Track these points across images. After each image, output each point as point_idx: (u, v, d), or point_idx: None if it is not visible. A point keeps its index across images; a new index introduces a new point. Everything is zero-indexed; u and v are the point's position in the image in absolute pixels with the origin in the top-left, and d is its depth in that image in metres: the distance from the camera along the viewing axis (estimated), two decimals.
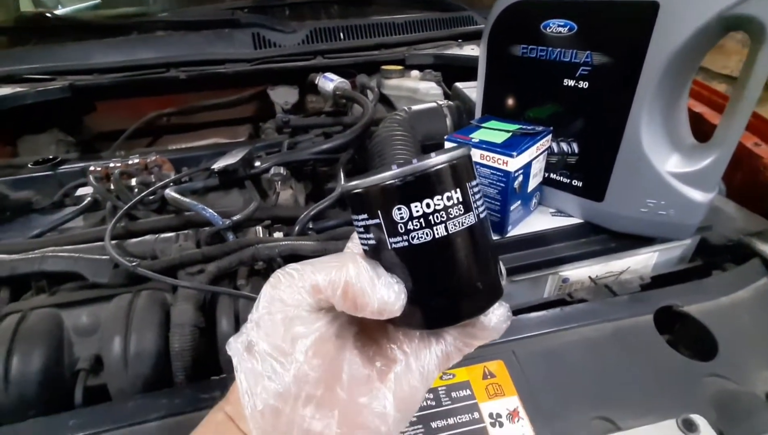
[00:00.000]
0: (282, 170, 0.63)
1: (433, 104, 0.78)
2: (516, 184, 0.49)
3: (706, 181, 0.45)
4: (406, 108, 0.77)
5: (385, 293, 0.21)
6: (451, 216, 0.21)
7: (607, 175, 0.49)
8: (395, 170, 0.21)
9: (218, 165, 0.63)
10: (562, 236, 0.54)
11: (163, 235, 0.52)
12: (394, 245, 0.21)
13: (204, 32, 0.97)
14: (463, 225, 0.21)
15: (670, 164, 0.46)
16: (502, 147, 0.47)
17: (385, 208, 0.21)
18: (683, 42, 0.39)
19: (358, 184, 0.22)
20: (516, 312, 0.53)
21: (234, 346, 0.22)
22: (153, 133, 1.08)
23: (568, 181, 0.53)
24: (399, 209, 0.21)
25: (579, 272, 0.55)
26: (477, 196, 0.22)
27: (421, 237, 0.21)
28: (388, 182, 0.21)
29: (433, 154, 0.21)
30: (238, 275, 0.50)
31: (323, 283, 0.22)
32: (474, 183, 0.22)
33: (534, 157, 0.50)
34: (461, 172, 0.22)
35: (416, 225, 0.21)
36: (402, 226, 0.21)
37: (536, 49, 0.49)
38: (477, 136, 0.51)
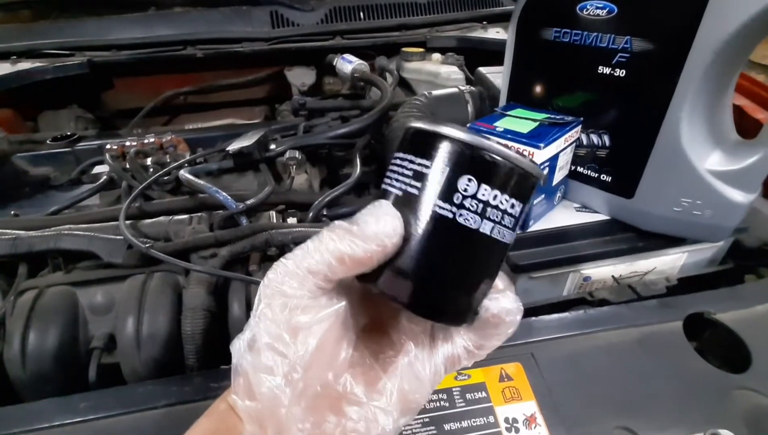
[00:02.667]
0: (297, 154, 0.62)
1: (455, 90, 0.75)
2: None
3: (749, 181, 0.42)
4: (426, 93, 0.74)
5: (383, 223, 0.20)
6: (502, 222, 0.20)
7: (640, 170, 0.46)
8: (490, 141, 0.19)
9: (233, 147, 0.62)
10: (585, 233, 0.52)
11: (176, 217, 0.52)
12: (437, 209, 0.19)
13: (221, 9, 0.95)
14: (502, 237, 0.20)
15: (710, 162, 0.43)
16: (529, 137, 0.45)
17: (457, 169, 0.19)
18: (736, 29, 0.36)
19: (445, 129, 0.20)
20: (534, 310, 0.52)
21: (236, 346, 0.21)
22: (170, 111, 1.07)
23: (596, 175, 0.50)
24: (469, 180, 0.19)
25: (602, 271, 0.52)
26: (521, 221, 0.21)
27: (468, 220, 0.19)
28: (478, 145, 0.19)
29: (527, 158, 0.20)
30: (250, 260, 0.49)
31: (317, 265, 0.20)
32: (528, 207, 0.21)
33: (562, 149, 0.47)
34: (532, 189, 0.21)
35: (471, 206, 0.19)
36: (459, 196, 0.19)
37: (570, 33, 0.45)
38: (502, 124, 0.48)
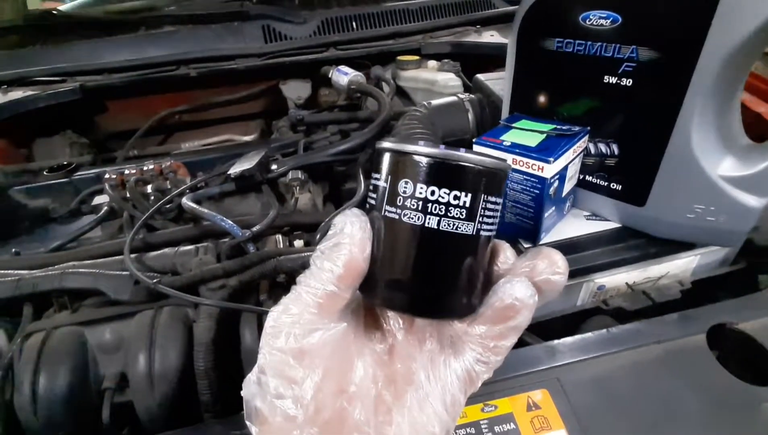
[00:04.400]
0: (300, 174, 0.61)
1: (454, 98, 0.74)
2: (551, 190, 0.46)
3: (762, 185, 0.42)
4: (425, 103, 0.73)
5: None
6: (448, 214, 0.21)
7: (651, 178, 0.45)
8: (418, 145, 0.21)
9: (234, 170, 0.61)
10: (597, 242, 0.51)
11: (182, 248, 0.51)
12: (386, 213, 0.22)
13: (213, 26, 0.94)
14: (456, 228, 0.21)
15: (722, 167, 0.42)
16: (537, 151, 0.44)
17: (395, 175, 0.21)
18: (744, 38, 0.35)
19: (385, 143, 0.22)
20: (550, 322, 0.51)
21: (247, 379, 0.21)
22: (165, 130, 1.06)
23: (606, 184, 0.50)
24: (406, 183, 0.21)
25: (615, 278, 0.52)
26: (489, 214, 0.22)
27: (411, 218, 0.21)
28: (404, 150, 0.21)
29: (462, 150, 0.21)
30: (260, 289, 0.49)
31: (309, 301, 0.21)
32: (494, 200, 0.22)
33: (571, 160, 0.47)
34: (480, 181, 0.21)
35: (413, 205, 0.21)
36: (401, 199, 0.21)
37: (573, 43, 0.45)
38: (508, 138, 0.47)
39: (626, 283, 0.53)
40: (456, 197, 0.21)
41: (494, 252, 0.24)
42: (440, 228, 0.21)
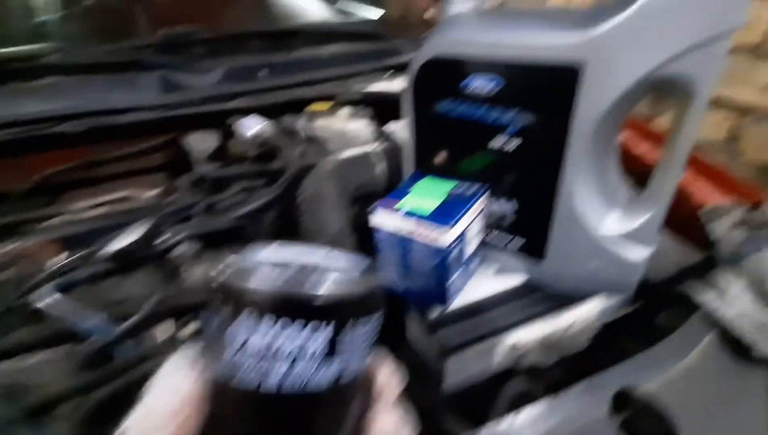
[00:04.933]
0: (189, 248, 0.54)
1: (363, 150, 0.72)
2: (453, 256, 0.44)
3: (645, 237, 0.43)
4: (332, 157, 0.71)
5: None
6: (294, 369, 0.16)
7: (546, 237, 0.46)
8: (254, 280, 0.17)
9: (112, 247, 0.53)
10: (506, 299, 0.50)
11: (35, 360, 0.42)
12: (216, 371, 0.17)
13: (100, 76, 0.85)
14: (305, 388, 0.17)
15: (607, 223, 0.43)
16: (435, 218, 0.43)
17: (223, 321, 0.18)
18: (610, 104, 0.36)
19: (214, 274, 0.18)
20: (468, 389, 0.49)
21: None
22: (52, 190, 0.93)
23: (508, 240, 0.49)
24: (236, 330, 0.17)
25: (528, 333, 0.51)
26: (356, 348, 0.18)
27: (246, 378, 0.17)
28: (234, 287, 0.17)
29: (320, 287, 0.17)
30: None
31: None
32: (362, 330, 0.18)
33: (470, 222, 0.46)
34: (343, 315, 0.17)
35: (247, 361, 0.17)
36: (233, 353, 0.17)
37: (460, 107, 0.45)
38: (406, 203, 0.46)
39: (538, 337, 0.52)
40: (303, 347, 0.17)
41: (366, 385, 0.20)
42: (283, 390, 0.16)
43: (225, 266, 0.19)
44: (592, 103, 0.37)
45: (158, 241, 0.58)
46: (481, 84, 0.42)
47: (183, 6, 1.41)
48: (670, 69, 0.33)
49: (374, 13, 1.35)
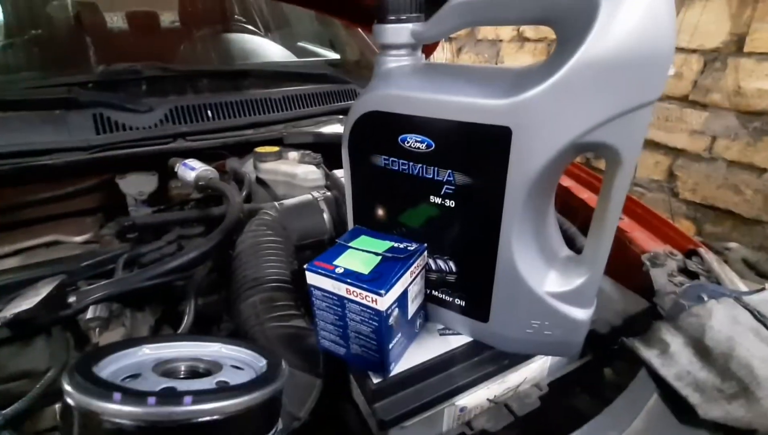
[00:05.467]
0: (102, 311, 0.48)
1: (308, 197, 0.70)
2: (392, 320, 0.41)
3: (583, 298, 0.42)
4: (276, 204, 0.68)
5: None
6: None
7: (488, 296, 0.44)
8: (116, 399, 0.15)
9: (7, 313, 0.46)
10: (453, 361, 0.47)
11: None
12: None
13: (23, 114, 0.79)
14: None
15: (547, 284, 0.42)
16: (370, 281, 0.40)
17: None
18: (540, 167, 0.36)
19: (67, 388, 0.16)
20: None
21: None
22: None
23: (451, 299, 0.47)
24: None
25: (476, 396, 0.48)
26: None
27: None
28: (90, 408, 0.15)
29: (187, 399, 0.15)
30: None
31: None
32: None
33: (409, 283, 0.43)
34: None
35: None
36: None
37: (398, 162, 0.43)
38: (342, 262, 0.43)
39: (487, 399, 0.49)
40: None
41: None
42: None
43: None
44: (522, 165, 0.36)
45: (69, 300, 0.51)
46: (416, 141, 0.41)
47: (134, 42, 1.37)
48: (594, 136, 0.33)
49: (331, 56, 1.37)
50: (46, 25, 1.33)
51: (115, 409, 0.14)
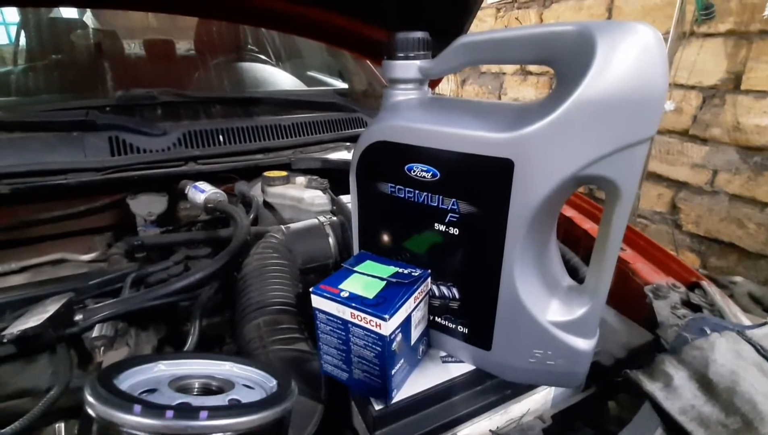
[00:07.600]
0: (108, 330, 0.49)
1: (314, 222, 0.71)
2: (395, 345, 0.41)
3: (586, 328, 0.43)
4: (283, 228, 0.69)
5: None
6: None
7: (491, 324, 0.44)
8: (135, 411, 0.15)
9: (12, 329, 0.47)
10: (455, 390, 0.47)
11: None
12: None
13: (41, 135, 0.82)
14: None
15: (549, 313, 0.43)
16: (374, 305, 0.40)
17: None
18: (541, 199, 0.37)
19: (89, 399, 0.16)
20: None
21: None
22: None
23: (454, 326, 0.48)
24: None
25: (479, 427, 0.48)
26: None
27: None
28: (111, 419, 0.16)
29: (204, 414, 0.15)
30: None
31: None
32: None
33: (413, 309, 0.44)
34: None
35: None
36: None
37: (404, 190, 0.45)
38: (347, 287, 0.43)
39: (490, 431, 0.49)
40: None
41: None
42: None
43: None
44: (524, 196, 0.37)
45: (76, 318, 0.52)
46: (422, 170, 0.42)
47: (150, 68, 1.43)
48: (593, 170, 0.34)
49: (339, 85, 1.41)
50: (67, 51, 1.39)
51: (135, 421, 0.14)
